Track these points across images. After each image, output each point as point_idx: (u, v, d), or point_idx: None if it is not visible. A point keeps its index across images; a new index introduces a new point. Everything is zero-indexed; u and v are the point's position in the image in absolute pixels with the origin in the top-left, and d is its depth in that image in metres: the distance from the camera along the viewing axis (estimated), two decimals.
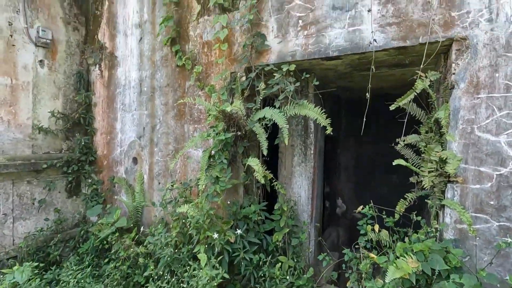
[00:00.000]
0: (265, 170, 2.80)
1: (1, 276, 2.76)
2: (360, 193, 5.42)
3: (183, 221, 2.79)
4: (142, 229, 3.37)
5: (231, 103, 3.03)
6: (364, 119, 2.53)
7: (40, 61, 3.84)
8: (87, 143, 4.22)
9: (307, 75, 2.77)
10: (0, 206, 3.51)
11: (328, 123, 2.47)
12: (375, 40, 2.32)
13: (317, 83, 2.76)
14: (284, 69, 2.70)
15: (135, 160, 3.95)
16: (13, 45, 3.56)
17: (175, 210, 2.89)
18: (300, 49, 2.71)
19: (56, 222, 3.95)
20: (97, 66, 4.22)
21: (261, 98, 2.85)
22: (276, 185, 2.89)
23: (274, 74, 2.74)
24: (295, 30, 2.73)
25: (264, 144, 2.69)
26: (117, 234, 3.31)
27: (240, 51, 3.04)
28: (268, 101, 3.06)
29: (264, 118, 2.76)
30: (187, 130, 3.45)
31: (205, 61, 3.29)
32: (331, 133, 2.51)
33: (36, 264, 2.97)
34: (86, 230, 4.03)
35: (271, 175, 2.86)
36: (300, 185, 3.22)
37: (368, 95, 2.43)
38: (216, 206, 2.89)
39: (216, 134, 2.73)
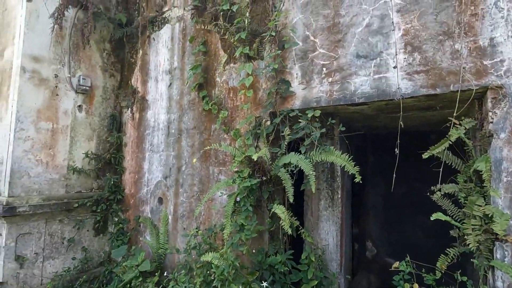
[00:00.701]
0: (291, 216, 2.72)
1: None
2: (390, 235, 5.08)
3: (207, 270, 2.71)
4: (165, 273, 3.32)
5: (256, 147, 3.06)
6: (396, 158, 2.43)
7: (79, 106, 4.15)
8: (116, 181, 4.37)
9: (333, 121, 2.75)
10: (33, 246, 3.63)
11: (357, 171, 2.40)
12: (399, 88, 2.29)
13: (343, 128, 2.74)
14: (309, 115, 2.71)
15: (160, 200, 4.00)
16: (57, 94, 3.89)
17: (199, 257, 2.83)
18: (325, 95, 2.73)
19: (82, 262, 4.00)
20: (129, 109, 4.48)
21: (286, 143, 2.85)
22: (303, 233, 2.78)
23: (300, 119, 2.75)
24: (319, 77, 2.78)
25: (290, 191, 2.64)
26: (140, 279, 3.27)
27: (265, 97, 3.11)
28: (293, 145, 3.06)
29: (289, 163, 2.74)
30: (212, 172, 3.49)
31: (231, 105, 3.39)
32: (356, 175, 2.41)
33: None
34: (110, 270, 4.03)
35: (297, 222, 2.76)
36: (327, 231, 3.08)
37: (398, 140, 2.36)
38: (241, 255, 2.81)
39: (242, 180, 2.72)
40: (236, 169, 2.97)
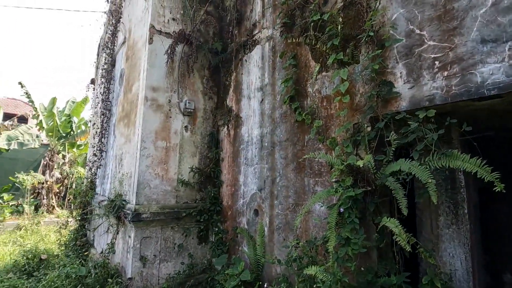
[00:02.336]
0: (405, 231, 2.38)
1: None
2: None
3: (310, 285, 2.58)
4: (265, 285, 3.32)
5: (356, 155, 2.86)
6: None
7: (185, 126, 4.75)
8: (215, 194, 4.74)
9: (453, 120, 2.35)
10: (152, 248, 4.19)
11: (497, 178, 1.95)
12: None
13: (469, 128, 2.30)
14: (421, 116, 2.39)
15: (256, 212, 4.12)
16: (169, 117, 4.55)
17: (301, 270, 2.73)
18: (440, 92, 2.38)
19: (189, 267, 4.39)
20: (226, 126, 4.88)
21: (393, 149, 2.57)
22: (422, 252, 2.39)
23: (409, 122, 2.46)
24: (431, 72, 2.45)
25: (403, 202, 2.32)
26: (242, 287, 3.35)
27: (362, 102, 2.93)
28: (400, 151, 2.74)
29: (399, 171, 2.44)
30: (307, 184, 3.41)
31: (325, 114, 3.30)
32: (496, 182, 1.95)
33: None
34: (212, 277, 4.29)
35: (414, 239, 2.39)
36: (452, 254, 2.57)
37: None
38: (346, 271, 2.59)
39: (344, 189, 2.56)
40: (335, 179, 2.82)
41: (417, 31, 2.56)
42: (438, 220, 2.69)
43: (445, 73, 2.36)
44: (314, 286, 2.50)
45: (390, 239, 2.65)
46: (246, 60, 4.64)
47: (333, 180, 2.88)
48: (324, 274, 2.36)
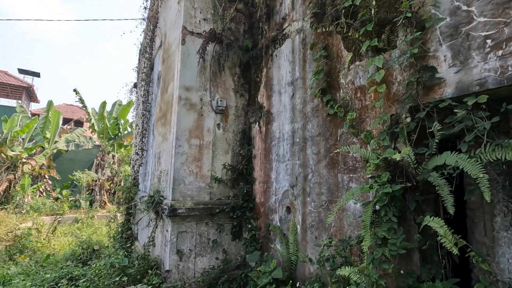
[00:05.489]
0: (453, 233, 2.12)
1: None
2: None
3: (344, 286, 2.44)
4: (298, 284, 3.23)
5: (394, 149, 2.64)
6: None
7: (218, 124, 4.82)
8: (248, 191, 4.74)
9: (510, 106, 2.04)
10: (188, 243, 4.33)
11: None
12: None
13: None
14: (470, 103, 2.11)
15: (288, 209, 4.03)
16: (202, 115, 4.66)
17: (334, 271, 2.60)
18: (493, 74, 2.08)
19: (224, 262, 4.45)
20: (257, 123, 4.86)
21: (436, 141, 2.31)
22: (474, 256, 2.11)
23: (455, 110, 2.19)
24: (481, 53, 2.15)
25: (449, 200, 2.08)
26: (274, 285, 3.30)
27: (401, 91, 2.68)
28: (445, 143, 2.46)
29: (444, 166, 2.19)
30: (341, 180, 3.24)
31: (358, 106, 3.10)
32: None
33: None
34: (246, 274, 4.30)
35: (463, 242, 2.13)
36: None
37: None
38: (383, 273, 2.40)
39: (380, 185, 2.37)
40: (370, 174, 2.63)
41: (464, 7, 2.27)
42: (493, 221, 2.36)
43: (500, 53, 2.05)
44: (349, 287, 2.35)
45: (435, 241, 2.40)
46: (276, 55, 4.56)
47: (368, 175, 2.69)
48: (359, 275, 2.21)
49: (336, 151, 3.09)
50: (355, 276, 2.22)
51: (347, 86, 3.27)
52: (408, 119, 2.58)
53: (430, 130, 2.36)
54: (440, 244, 2.26)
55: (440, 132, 2.28)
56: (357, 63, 3.16)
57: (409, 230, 2.50)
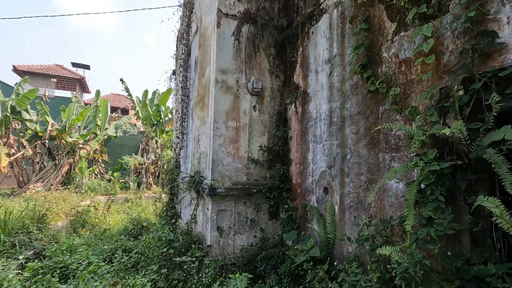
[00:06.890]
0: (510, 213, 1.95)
1: (228, 279, 3.44)
2: None
3: (384, 265, 2.39)
4: (335, 263, 3.23)
5: (443, 125, 2.44)
6: None
7: (253, 106, 4.85)
8: (284, 172, 4.77)
9: None
10: (227, 220, 4.53)
11: None
12: None
13: None
14: None
15: (325, 190, 3.99)
16: (238, 97, 4.72)
17: (374, 250, 2.55)
18: None
19: (261, 240, 4.59)
20: (293, 104, 4.80)
21: (494, 114, 2.09)
22: None
23: None
24: None
25: (508, 179, 1.89)
26: (311, 263, 3.35)
27: (452, 61, 2.45)
28: (504, 117, 2.22)
29: (503, 141, 1.98)
30: (382, 160, 3.10)
31: (403, 81, 2.90)
32: None
33: (251, 276, 3.49)
34: (283, 252, 4.40)
35: None
36: None
37: None
38: (428, 254, 2.29)
39: (426, 163, 2.23)
40: (415, 153, 2.48)
41: None
42: None
43: None
44: (388, 266, 2.30)
45: (489, 222, 2.22)
46: (312, 32, 4.40)
47: (413, 154, 2.54)
48: (400, 254, 2.14)
49: (377, 128, 2.95)
50: (397, 256, 2.15)
51: (390, 60, 3.06)
52: (461, 92, 2.35)
53: (487, 102, 2.14)
54: (495, 226, 2.09)
55: (500, 104, 2.05)
56: (402, 34, 2.93)
57: (459, 211, 2.34)
